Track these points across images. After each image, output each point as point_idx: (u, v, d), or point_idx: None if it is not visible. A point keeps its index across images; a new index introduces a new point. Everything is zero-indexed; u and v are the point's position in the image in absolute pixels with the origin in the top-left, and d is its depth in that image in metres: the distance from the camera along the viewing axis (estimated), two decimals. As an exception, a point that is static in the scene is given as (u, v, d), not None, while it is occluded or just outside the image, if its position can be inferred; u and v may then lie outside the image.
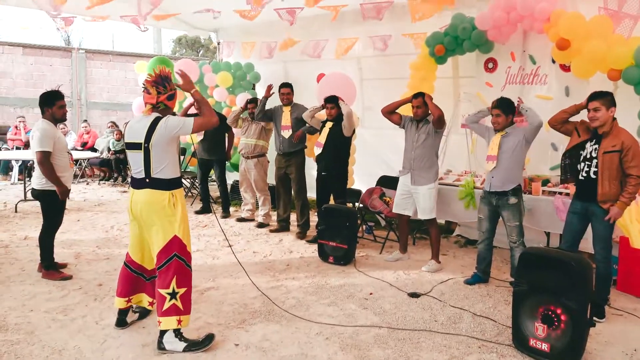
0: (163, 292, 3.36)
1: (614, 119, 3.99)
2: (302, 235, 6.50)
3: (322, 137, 5.99)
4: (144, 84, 3.46)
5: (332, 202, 6.14)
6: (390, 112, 5.44)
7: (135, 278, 3.69)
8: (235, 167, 8.14)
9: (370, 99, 7.68)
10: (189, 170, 9.29)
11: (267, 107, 6.75)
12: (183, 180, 8.82)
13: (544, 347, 3.32)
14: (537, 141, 5.68)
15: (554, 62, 5.44)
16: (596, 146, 3.99)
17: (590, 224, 4.14)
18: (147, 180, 3.39)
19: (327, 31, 7.75)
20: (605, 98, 3.92)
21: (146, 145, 3.35)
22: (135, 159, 3.44)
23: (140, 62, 9.22)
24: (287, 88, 6.69)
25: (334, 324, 3.91)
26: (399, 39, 6.84)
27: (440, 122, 5.11)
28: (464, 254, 5.88)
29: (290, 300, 4.38)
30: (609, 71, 4.78)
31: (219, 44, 9.83)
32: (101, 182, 11.21)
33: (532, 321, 3.39)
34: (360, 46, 7.38)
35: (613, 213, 3.92)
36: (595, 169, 3.98)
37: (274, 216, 7.20)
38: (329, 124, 6.01)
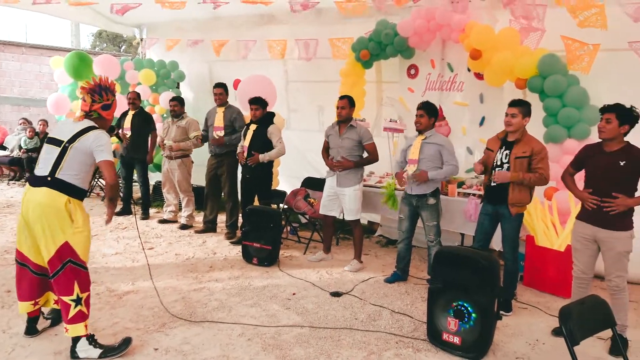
0: (67, 299, 3.21)
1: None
2: (230, 235, 6.44)
3: (247, 141, 5.93)
4: (80, 90, 3.39)
5: (256, 203, 6.14)
6: None
7: (38, 279, 3.43)
8: (158, 168, 7.94)
9: (296, 101, 7.75)
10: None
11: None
12: (102, 180, 8.61)
13: (456, 340, 3.51)
14: (453, 145, 5.98)
15: (469, 70, 5.73)
16: (507, 152, 4.24)
17: (500, 225, 4.41)
18: (49, 178, 3.21)
19: (254, 32, 7.74)
20: (523, 107, 4.18)
21: (67, 144, 3.23)
22: (48, 155, 3.29)
23: (56, 57, 8.81)
24: (219, 88, 6.54)
25: (257, 324, 3.92)
26: (325, 43, 6.93)
27: (373, 157, 5.32)
28: (385, 254, 6.06)
29: (213, 302, 4.34)
30: (516, 80, 5.12)
31: (142, 40, 9.53)
32: (11, 182, 10.55)
33: (445, 316, 3.57)
34: (286, 48, 7.40)
35: (499, 176, 4.16)
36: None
37: (197, 217, 7.09)
38: (253, 126, 5.94)
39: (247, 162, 5.85)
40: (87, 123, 3.35)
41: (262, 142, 5.88)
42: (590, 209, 3.69)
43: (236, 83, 7.18)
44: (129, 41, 27.15)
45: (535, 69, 4.95)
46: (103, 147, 3.29)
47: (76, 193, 3.29)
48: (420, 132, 4.85)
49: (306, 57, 7.17)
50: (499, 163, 4.28)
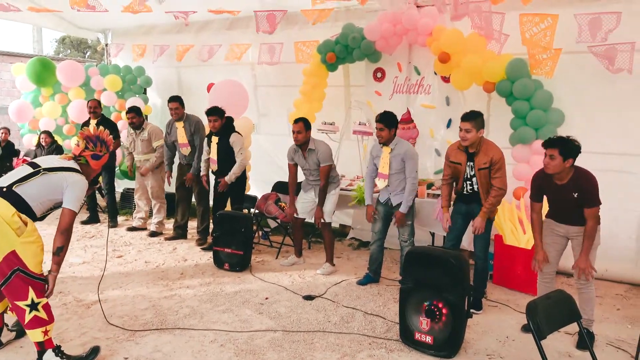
0: (21, 304, 3.10)
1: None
2: (202, 242, 6.37)
3: (213, 153, 5.86)
4: (80, 135, 3.47)
5: (228, 208, 6.09)
6: None
7: None
8: (125, 175, 7.80)
9: (265, 106, 7.73)
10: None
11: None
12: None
13: (428, 339, 3.55)
14: (421, 147, 6.07)
15: (436, 73, 5.82)
16: (471, 163, 4.33)
17: (471, 223, 4.49)
18: (4, 189, 3.11)
19: (220, 36, 7.70)
20: (476, 120, 4.19)
21: (42, 170, 3.19)
22: (16, 172, 3.24)
23: (18, 64, 8.59)
24: (175, 102, 6.24)
25: (229, 330, 3.89)
26: (291, 47, 6.94)
27: (323, 179, 5.25)
28: (357, 256, 6.09)
29: (184, 310, 4.29)
30: (484, 84, 5.23)
31: (107, 45, 9.38)
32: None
33: (417, 316, 3.60)
34: (254, 52, 7.39)
35: (476, 225, 4.31)
36: (477, 185, 4.34)
37: (168, 224, 7.00)
38: (215, 139, 5.84)
39: (217, 170, 5.81)
40: (73, 164, 3.34)
41: (226, 153, 5.82)
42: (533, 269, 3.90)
43: (210, 87, 7.14)
44: (94, 47, 26.67)
45: (504, 73, 5.07)
46: (76, 196, 3.25)
47: (26, 211, 3.15)
48: (383, 144, 4.86)
49: (271, 62, 7.16)
50: (468, 177, 4.38)
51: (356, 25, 6.08)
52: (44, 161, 3.32)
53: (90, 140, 3.44)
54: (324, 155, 5.20)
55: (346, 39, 6.01)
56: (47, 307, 3.18)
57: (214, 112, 5.75)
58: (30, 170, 3.22)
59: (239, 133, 5.96)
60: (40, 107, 8.47)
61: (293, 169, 5.47)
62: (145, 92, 8.97)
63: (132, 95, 8.60)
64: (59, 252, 3.23)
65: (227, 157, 5.83)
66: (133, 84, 8.68)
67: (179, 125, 6.29)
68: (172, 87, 8.73)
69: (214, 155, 5.87)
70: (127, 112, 6.68)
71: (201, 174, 6.14)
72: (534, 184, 3.88)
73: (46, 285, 3.19)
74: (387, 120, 4.76)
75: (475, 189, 4.36)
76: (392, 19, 5.71)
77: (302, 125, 5.16)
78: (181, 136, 6.29)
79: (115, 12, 6.74)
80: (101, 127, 3.62)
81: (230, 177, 5.79)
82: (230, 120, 6.00)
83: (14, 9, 6.74)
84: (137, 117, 6.59)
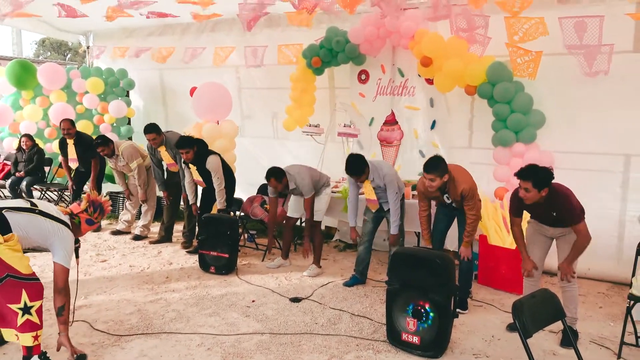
0: (14, 307, 3.09)
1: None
2: (187, 245, 6.32)
3: (197, 176, 5.83)
4: (86, 197, 3.54)
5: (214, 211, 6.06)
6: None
7: None
8: (110, 179, 7.71)
9: (249, 108, 7.71)
10: (56, 182, 8.63)
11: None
12: (49, 193, 8.30)
13: (415, 340, 3.57)
14: (406, 148, 6.12)
15: (419, 75, 5.86)
16: (447, 195, 4.41)
17: (457, 223, 4.55)
18: None
19: (203, 39, 7.67)
20: (439, 169, 4.18)
21: (39, 213, 3.20)
22: (15, 201, 3.29)
23: (-1, 68, 8.46)
24: (151, 134, 6.01)
25: (216, 333, 3.88)
26: (275, 50, 6.94)
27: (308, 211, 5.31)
28: (343, 258, 6.10)
29: (170, 314, 4.26)
30: (466, 87, 5.29)
31: (88, 48, 9.27)
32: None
33: (404, 317, 3.62)
34: (237, 55, 7.37)
35: (463, 254, 4.43)
36: (456, 204, 4.42)
37: (153, 228, 6.92)
38: (192, 167, 5.79)
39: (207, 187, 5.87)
40: (66, 219, 3.35)
41: (208, 176, 5.82)
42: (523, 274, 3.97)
43: (193, 91, 7.09)
44: (75, 49, 26.37)
45: (485, 76, 5.12)
46: (66, 252, 3.24)
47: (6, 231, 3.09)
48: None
49: (255, 64, 7.15)
50: (446, 203, 4.49)
51: (340, 28, 6.10)
52: (42, 205, 3.33)
53: (93, 206, 3.50)
54: (304, 189, 5.24)
55: (330, 43, 6.03)
56: (39, 312, 3.15)
57: (183, 145, 5.61)
58: (26, 205, 3.23)
59: (214, 153, 5.88)
60: (20, 110, 8.33)
61: (274, 201, 5.52)
62: (127, 95, 8.89)
63: (114, 98, 8.50)
64: (62, 312, 3.27)
65: (208, 179, 5.84)
66: (115, 86, 8.59)
67: (162, 150, 6.17)
68: (155, 89, 8.68)
69: (198, 177, 5.85)
70: (96, 148, 6.40)
71: (190, 202, 6.10)
72: (513, 203, 3.93)
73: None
74: (354, 168, 4.73)
75: (456, 205, 4.46)
76: (375, 22, 5.74)
77: (274, 180, 5.21)
78: (166, 158, 6.20)
79: (96, 16, 6.68)
80: (107, 197, 3.59)
81: (218, 205, 5.85)
82: (202, 144, 5.88)
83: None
84: (106, 149, 6.37)
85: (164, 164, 6.33)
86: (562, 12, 4.98)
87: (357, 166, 4.73)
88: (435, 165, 4.20)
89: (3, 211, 3.10)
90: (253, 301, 4.60)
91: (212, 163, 5.76)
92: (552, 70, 5.11)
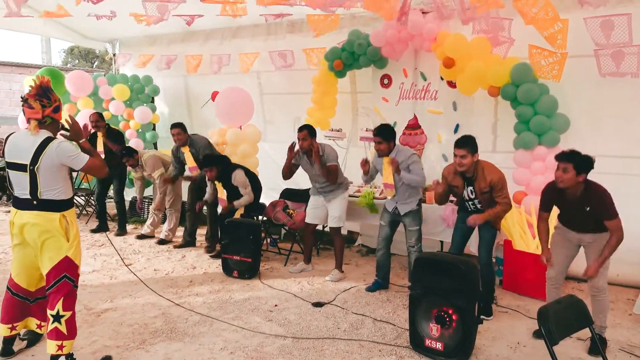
0: (48, 313, 3.20)
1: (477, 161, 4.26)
2: (210, 249, 6.37)
3: (222, 193, 5.92)
4: (24, 98, 3.16)
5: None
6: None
7: (19, 303, 3.44)
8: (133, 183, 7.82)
9: (271, 113, 7.76)
10: (82, 187, 8.80)
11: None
12: (77, 198, 8.46)
13: (439, 346, 3.53)
14: (429, 153, 6.06)
15: (442, 79, 5.82)
16: (471, 188, 4.32)
17: (477, 228, 4.48)
18: (35, 202, 3.16)
19: (227, 46, 7.74)
20: (470, 146, 4.16)
21: (32, 168, 3.11)
22: (18, 180, 3.19)
23: (29, 77, 8.65)
24: (176, 128, 6.26)
25: (239, 338, 3.89)
26: (299, 55, 6.97)
27: (332, 178, 5.23)
28: (366, 263, 6.08)
29: (194, 317, 4.30)
30: (489, 88, 5.22)
31: (114, 55, 9.46)
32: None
33: (427, 322, 3.59)
34: (259, 61, 7.43)
35: (474, 217, 4.28)
36: (480, 204, 4.35)
37: (179, 232, 6.99)
38: (218, 183, 5.90)
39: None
40: (43, 135, 3.15)
41: (233, 191, 5.90)
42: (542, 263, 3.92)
43: (214, 95, 7.16)
44: (102, 57, 26.90)
45: (508, 77, 5.05)
46: (73, 155, 3.19)
47: (66, 206, 3.26)
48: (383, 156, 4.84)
49: (278, 69, 7.19)
50: (467, 198, 4.40)
51: (362, 32, 6.10)
52: (21, 154, 3.14)
53: (42, 96, 3.15)
54: (331, 155, 5.24)
55: (352, 46, 6.04)
56: (70, 322, 3.22)
57: (207, 163, 5.76)
58: (26, 175, 3.13)
59: (238, 167, 5.97)
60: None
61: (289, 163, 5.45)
62: (153, 101, 9.03)
63: (140, 104, 8.65)
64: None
65: (233, 193, 5.91)
66: (141, 93, 8.74)
67: (185, 150, 6.33)
68: (179, 96, 8.80)
69: (222, 195, 5.91)
70: (121, 159, 6.67)
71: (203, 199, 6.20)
72: (545, 196, 3.86)
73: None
74: (384, 134, 4.75)
75: (479, 207, 4.38)
76: (396, 25, 5.71)
77: (307, 132, 5.19)
78: (189, 160, 6.32)
79: (122, 21, 6.78)
80: (38, 76, 3.46)
81: (238, 204, 5.90)
82: (225, 161, 5.98)
83: (27, 15, 6.77)
84: (131, 160, 6.64)
85: (186, 167, 6.43)
86: (586, 12, 4.88)
87: (386, 130, 4.78)
88: (467, 140, 4.17)
89: (42, 197, 3.14)
90: (275, 305, 4.61)
91: (238, 178, 5.85)
92: (578, 72, 5.01)
